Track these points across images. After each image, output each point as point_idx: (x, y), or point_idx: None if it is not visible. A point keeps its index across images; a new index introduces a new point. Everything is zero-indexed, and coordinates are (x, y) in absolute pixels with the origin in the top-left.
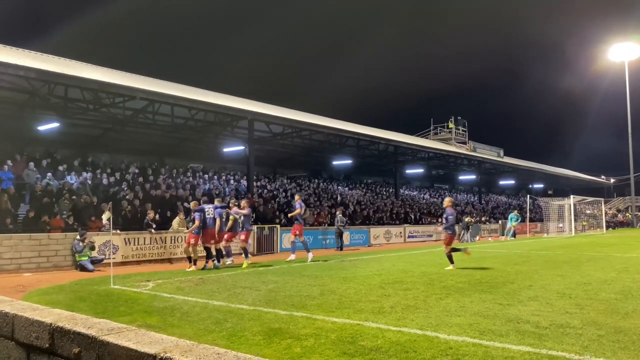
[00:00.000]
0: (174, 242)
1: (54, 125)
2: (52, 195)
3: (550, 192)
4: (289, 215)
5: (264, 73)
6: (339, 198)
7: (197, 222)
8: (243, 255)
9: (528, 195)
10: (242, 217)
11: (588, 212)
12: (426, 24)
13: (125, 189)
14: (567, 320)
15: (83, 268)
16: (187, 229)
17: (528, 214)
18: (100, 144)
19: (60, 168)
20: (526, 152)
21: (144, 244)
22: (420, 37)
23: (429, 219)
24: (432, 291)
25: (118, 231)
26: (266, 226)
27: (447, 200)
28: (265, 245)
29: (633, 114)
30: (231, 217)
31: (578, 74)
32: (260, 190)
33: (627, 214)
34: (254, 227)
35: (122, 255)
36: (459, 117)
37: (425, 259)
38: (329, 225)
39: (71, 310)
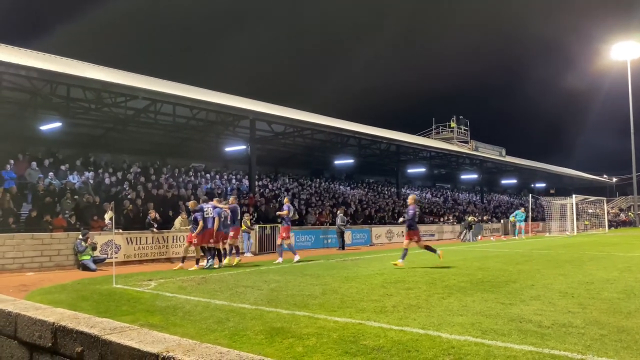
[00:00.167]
0: (176, 242)
1: (56, 124)
2: (55, 195)
3: (552, 191)
4: (277, 213)
5: (266, 73)
6: (341, 198)
7: (200, 223)
8: (234, 252)
9: (530, 195)
10: (229, 214)
11: (590, 211)
12: (428, 23)
13: (127, 188)
14: (570, 319)
15: (85, 267)
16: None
17: (530, 213)
18: (102, 144)
19: (63, 168)
20: (528, 151)
21: (146, 243)
22: (422, 36)
23: (431, 218)
24: (434, 290)
25: (120, 231)
26: (268, 225)
27: (411, 198)
28: (267, 245)
29: (635, 112)
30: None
31: (580, 73)
32: (262, 190)
33: (630, 213)
34: (256, 227)
35: (124, 255)
36: (461, 116)
37: (427, 258)
38: (330, 224)
39: (74, 310)
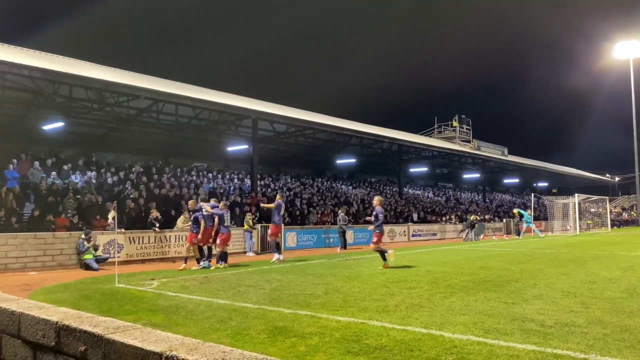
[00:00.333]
0: (178, 241)
1: (59, 124)
2: (57, 195)
3: (554, 190)
4: (260, 205)
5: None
6: (343, 197)
7: (202, 223)
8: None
9: (532, 194)
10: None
11: (593, 210)
12: (430, 23)
13: (130, 188)
14: (572, 318)
15: (88, 267)
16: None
17: (532, 212)
18: (104, 143)
19: (65, 167)
20: (530, 151)
21: (148, 242)
22: (424, 36)
23: (433, 218)
24: (436, 290)
25: (122, 230)
26: (270, 225)
27: (376, 199)
28: (268, 244)
29: (638, 111)
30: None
31: (583, 72)
32: (264, 189)
33: (632, 212)
34: (258, 226)
35: (127, 254)
36: (463, 116)
37: (429, 258)
38: (331, 224)
39: (76, 309)
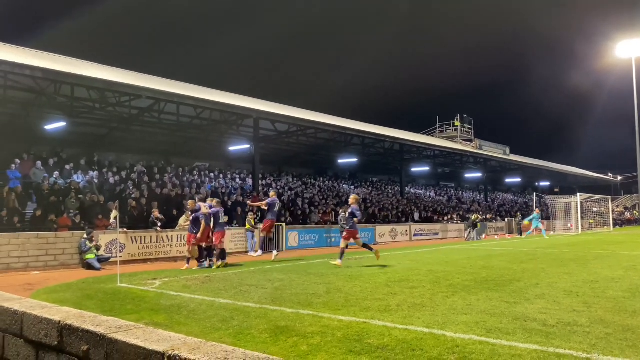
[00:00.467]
0: (180, 241)
1: (61, 124)
2: (59, 194)
3: (556, 189)
4: (255, 203)
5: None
6: (344, 197)
7: (203, 223)
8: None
9: (534, 193)
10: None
11: (595, 209)
12: (431, 22)
13: (132, 187)
14: (575, 318)
15: (90, 266)
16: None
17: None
18: (106, 143)
19: (67, 167)
20: (532, 150)
21: (150, 242)
22: (425, 35)
23: (435, 217)
24: (438, 289)
25: (124, 230)
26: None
27: (352, 197)
28: (271, 244)
29: None
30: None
31: (584, 71)
32: (265, 189)
33: (635, 212)
34: (260, 226)
35: (129, 254)
36: (465, 115)
37: (431, 257)
38: (332, 223)
39: (79, 309)
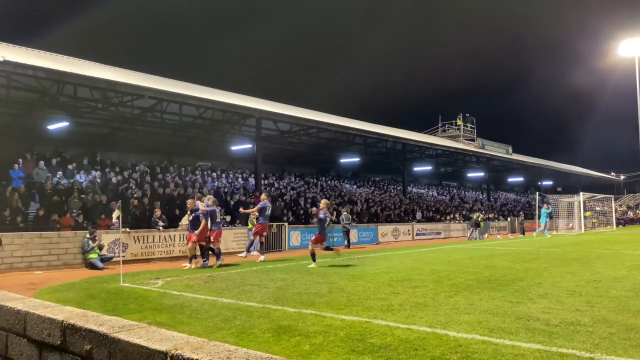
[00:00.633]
0: (183, 240)
1: (64, 124)
2: (62, 194)
3: (559, 189)
4: (240, 210)
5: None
6: (347, 196)
7: (203, 221)
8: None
9: (537, 193)
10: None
11: (598, 209)
12: (434, 22)
13: (134, 187)
14: (578, 317)
15: (93, 266)
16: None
17: (537, 211)
18: (108, 143)
19: (70, 167)
20: (535, 149)
21: (153, 242)
22: (428, 35)
23: (437, 217)
24: (441, 289)
25: (127, 229)
26: (274, 224)
27: (323, 202)
28: (273, 243)
29: None
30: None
31: (587, 70)
32: (268, 188)
33: (638, 211)
34: None
35: (131, 253)
36: (467, 114)
37: (433, 257)
38: (334, 223)
39: (82, 308)
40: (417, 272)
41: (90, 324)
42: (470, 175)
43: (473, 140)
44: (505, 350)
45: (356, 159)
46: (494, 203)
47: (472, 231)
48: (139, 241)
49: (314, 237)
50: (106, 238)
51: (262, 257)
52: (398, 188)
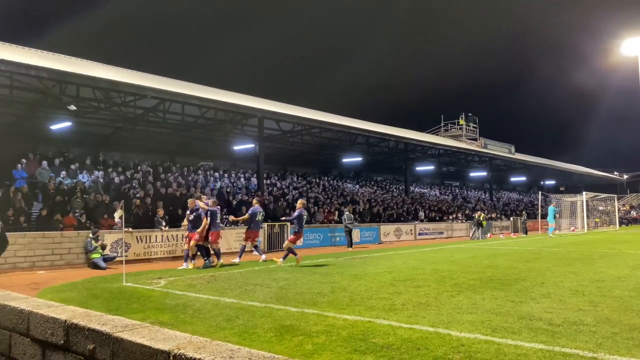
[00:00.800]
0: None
1: (66, 124)
2: (65, 194)
3: (562, 188)
4: (237, 218)
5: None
6: (349, 196)
7: (205, 220)
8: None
9: (540, 192)
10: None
11: (601, 208)
12: (436, 21)
13: (137, 187)
14: (581, 317)
15: (95, 266)
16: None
17: (540, 210)
18: (111, 143)
19: (73, 167)
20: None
21: (155, 241)
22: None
23: (440, 216)
24: (443, 288)
25: (130, 229)
26: (277, 224)
27: (299, 202)
28: (275, 243)
29: None
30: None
31: (590, 69)
32: (270, 188)
33: None
34: (265, 225)
35: (134, 253)
36: (470, 114)
37: (436, 257)
38: (336, 222)
39: (85, 308)
40: (420, 272)
41: (93, 324)
42: (472, 174)
43: (475, 139)
44: (507, 349)
45: (358, 159)
46: (496, 202)
47: (474, 231)
48: (141, 241)
49: (292, 237)
50: (109, 238)
51: (263, 257)
52: (400, 188)
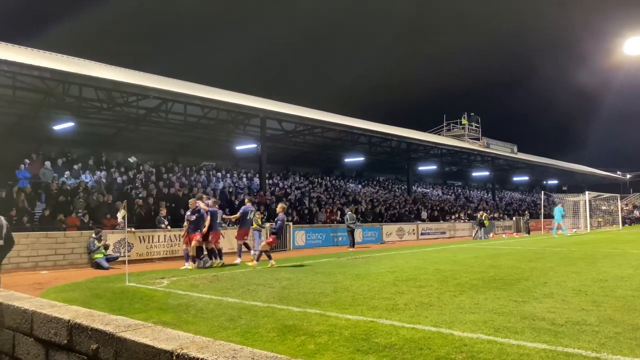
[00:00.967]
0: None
1: (69, 124)
2: (68, 194)
3: (564, 188)
4: (228, 217)
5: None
6: (351, 196)
7: (208, 219)
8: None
9: (542, 192)
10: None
11: (604, 208)
12: (438, 20)
13: (139, 187)
14: (583, 317)
15: (98, 266)
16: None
17: (542, 210)
18: (114, 143)
19: (76, 167)
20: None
21: (158, 241)
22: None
23: (442, 216)
24: (445, 288)
25: (132, 229)
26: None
27: (280, 206)
28: (278, 243)
29: None
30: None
31: (593, 69)
32: (272, 188)
33: None
34: (267, 225)
35: (137, 253)
36: (472, 113)
37: (438, 256)
38: (338, 222)
39: (88, 308)
40: (422, 272)
41: (96, 324)
42: (475, 174)
43: (478, 139)
44: (510, 349)
45: (361, 159)
46: (499, 202)
47: (477, 230)
48: (144, 241)
49: (270, 239)
50: (112, 238)
51: (238, 260)
52: (403, 187)
